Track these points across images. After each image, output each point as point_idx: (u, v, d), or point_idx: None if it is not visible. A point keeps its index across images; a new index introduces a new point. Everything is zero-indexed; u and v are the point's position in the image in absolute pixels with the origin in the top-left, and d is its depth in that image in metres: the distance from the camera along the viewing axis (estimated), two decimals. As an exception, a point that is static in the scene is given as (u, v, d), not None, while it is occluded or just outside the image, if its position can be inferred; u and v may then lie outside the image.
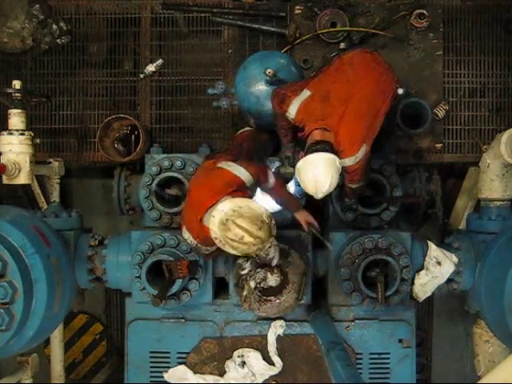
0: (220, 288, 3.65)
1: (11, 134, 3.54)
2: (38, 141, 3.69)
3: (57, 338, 4.25)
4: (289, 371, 3.56)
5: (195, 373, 3.57)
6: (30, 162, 3.58)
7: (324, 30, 4.09)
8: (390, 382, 3.59)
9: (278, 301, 3.25)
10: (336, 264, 3.42)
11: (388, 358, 3.58)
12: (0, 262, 2.69)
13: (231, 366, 3.54)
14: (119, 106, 4.36)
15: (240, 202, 2.69)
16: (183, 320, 3.59)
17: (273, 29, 4.22)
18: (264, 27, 4.22)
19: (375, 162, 3.60)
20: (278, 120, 3.23)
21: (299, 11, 4.15)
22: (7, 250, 2.73)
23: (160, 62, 4.31)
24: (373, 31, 4.10)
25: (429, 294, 3.51)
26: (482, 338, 3.70)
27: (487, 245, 3.34)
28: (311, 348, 3.56)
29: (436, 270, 3.43)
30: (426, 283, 3.46)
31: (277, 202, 3.31)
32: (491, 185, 3.56)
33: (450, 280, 3.51)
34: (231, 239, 2.63)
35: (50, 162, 4.13)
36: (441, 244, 3.61)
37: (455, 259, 3.46)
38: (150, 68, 4.29)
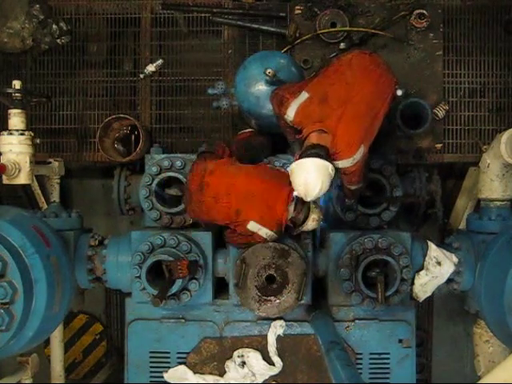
0: (220, 288, 3.64)
1: (11, 134, 3.54)
2: (37, 141, 3.69)
3: (57, 338, 4.26)
4: (289, 371, 3.56)
5: (195, 373, 3.56)
6: (30, 162, 3.58)
7: (324, 30, 4.09)
8: (389, 382, 3.58)
9: (277, 301, 3.25)
10: (336, 264, 3.42)
11: (388, 358, 3.57)
12: (0, 262, 2.69)
13: (231, 366, 3.54)
14: (119, 106, 4.36)
15: None
16: (183, 320, 3.59)
17: (273, 29, 4.22)
18: (264, 27, 4.22)
19: (375, 162, 3.60)
20: (279, 120, 3.24)
21: (299, 11, 4.15)
22: (7, 250, 2.72)
23: (160, 62, 4.30)
24: (373, 31, 4.09)
25: (429, 294, 3.50)
26: (482, 338, 3.70)
27: (487, 245, 3.34)
28: (311, 348, 3.55)
29: (436, 270, 3.43)
30: (426, 283, 3.46)
31: None
32: (491, 185, 3.56)
33: (449, 280, 3.51)
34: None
35: (50, 162, 4.14)
36: (441, 244, 3.61)
37: (455, 259, 3.46)
38: (150, 68, 4.28)
